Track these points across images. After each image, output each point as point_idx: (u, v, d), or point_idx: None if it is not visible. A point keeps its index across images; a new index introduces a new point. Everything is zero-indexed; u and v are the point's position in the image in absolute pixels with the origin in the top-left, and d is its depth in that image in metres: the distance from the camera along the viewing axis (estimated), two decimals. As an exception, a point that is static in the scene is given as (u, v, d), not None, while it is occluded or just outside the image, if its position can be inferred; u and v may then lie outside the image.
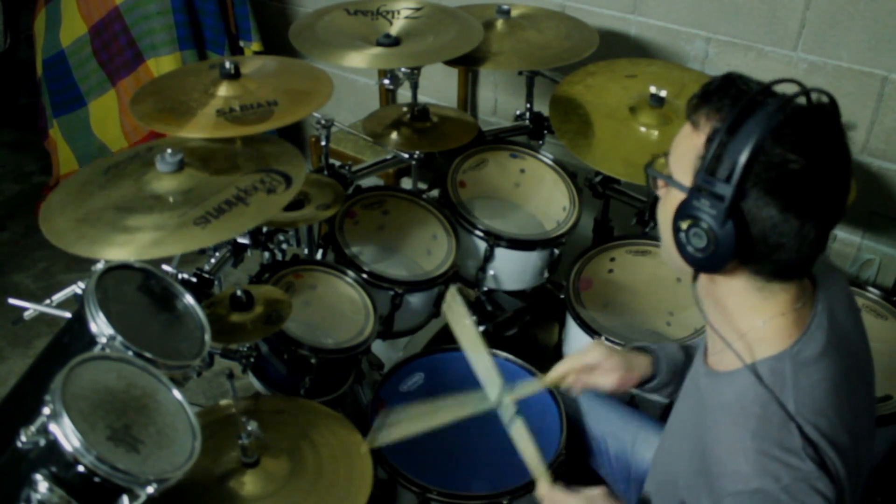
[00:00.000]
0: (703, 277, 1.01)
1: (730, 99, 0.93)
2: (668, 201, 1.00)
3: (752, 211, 0.90)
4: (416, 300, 1.82)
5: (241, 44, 2.86)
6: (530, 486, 1.45)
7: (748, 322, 0.98)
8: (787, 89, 0.92)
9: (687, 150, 0.96)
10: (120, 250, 1.27)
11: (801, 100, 0.91)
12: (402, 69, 1.93)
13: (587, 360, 1.30)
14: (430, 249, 1.93)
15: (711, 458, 0.94)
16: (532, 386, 1.34)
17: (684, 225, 0.95)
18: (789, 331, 0.97)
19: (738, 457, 0.91)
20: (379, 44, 1.82)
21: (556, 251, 1.93)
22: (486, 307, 2.14)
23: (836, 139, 0.91)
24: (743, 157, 0.87)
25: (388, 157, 2.01)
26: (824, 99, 0.92)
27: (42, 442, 0.96)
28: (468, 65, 2.14)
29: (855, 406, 0.97)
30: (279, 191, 1.42)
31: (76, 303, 1.23)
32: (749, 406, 0.93)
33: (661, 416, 1.63)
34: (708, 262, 0.94)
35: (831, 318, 0.99)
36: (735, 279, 0.97)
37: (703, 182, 0.91)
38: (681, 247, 0.97)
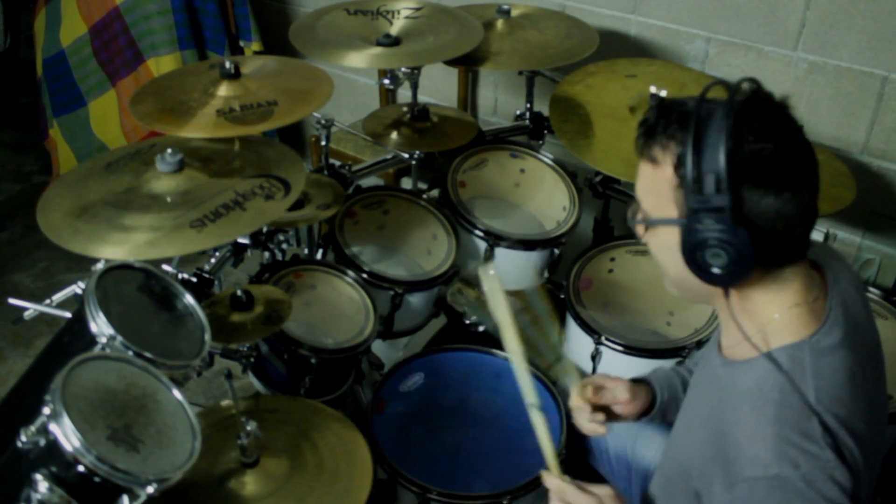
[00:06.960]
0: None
1: (676, 123, 0.95)
2: (664, 241, 1.01)
3: (753, 208, 0.91)
4: (416, 300, 1.82)
5: (241, 44, 2.86)
6: (530, 485, 1.45)
7: (765, 315, 0.99)
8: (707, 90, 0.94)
9: (658, 187, 0.98)
10: (116, 249, 1.26)
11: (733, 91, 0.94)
12: (402, 69, 1.93)
13: (607, 382, 1.30)
14: (430, 249, 1.93)
15: (730, 443, 0.95)
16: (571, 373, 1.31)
17: (698, 252, 0.94)
18: (806, 321, 0.98)
19: (757, 442, 0.91)
20: (379, 44, 1.82)
21: (556, 251, 1.93)
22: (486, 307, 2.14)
23: (783, 113, 0.95)
24: (722, 164, 0.90)
25: (388, 157, 2.00)
26: (750, 85, 0.95)
27: (42, 442, 0.95)
28: (468, 65, 2.13)
29: (870, 396, 0.98)
30: (277, 197, 1.42)
31: (76, 303, 1.23)
32: (769, 392, 0.94)
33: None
34: (735, 274, 0.94)
35: (846, 311, 1.01)
36: (751, 276, 0.97)
37: (698, 204, 0.92)
38: (703, 273, 0.96)
